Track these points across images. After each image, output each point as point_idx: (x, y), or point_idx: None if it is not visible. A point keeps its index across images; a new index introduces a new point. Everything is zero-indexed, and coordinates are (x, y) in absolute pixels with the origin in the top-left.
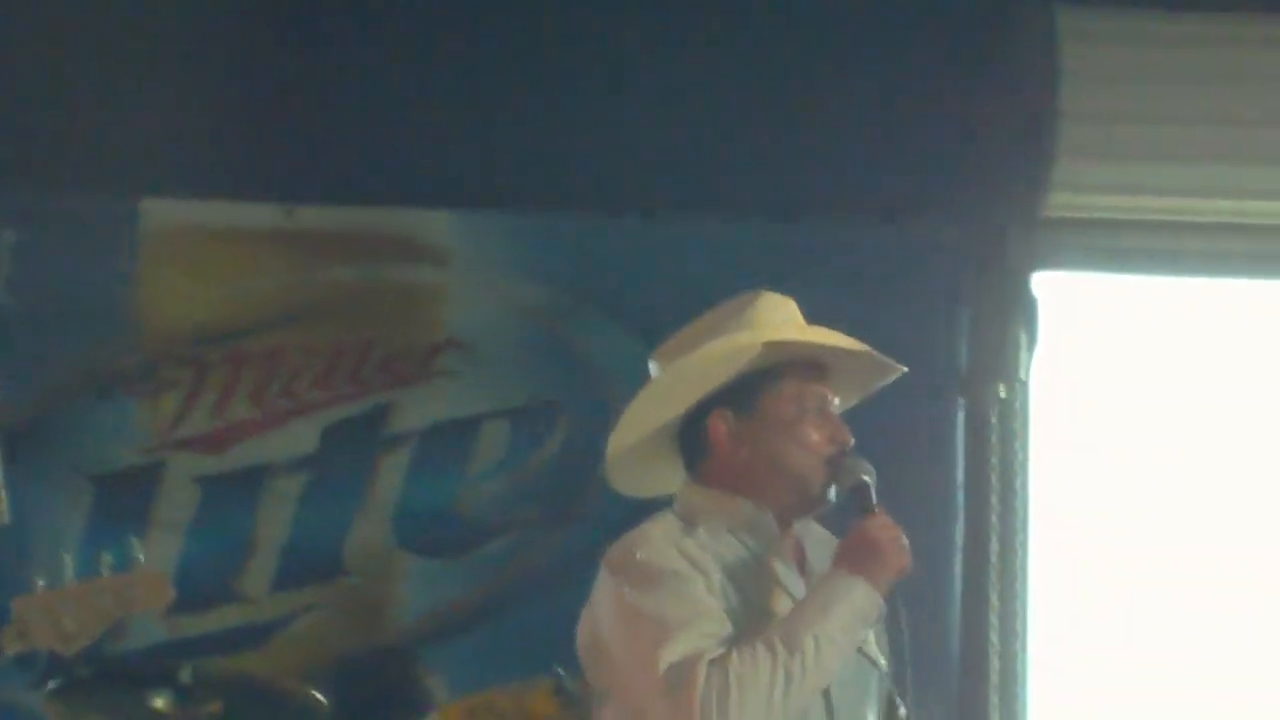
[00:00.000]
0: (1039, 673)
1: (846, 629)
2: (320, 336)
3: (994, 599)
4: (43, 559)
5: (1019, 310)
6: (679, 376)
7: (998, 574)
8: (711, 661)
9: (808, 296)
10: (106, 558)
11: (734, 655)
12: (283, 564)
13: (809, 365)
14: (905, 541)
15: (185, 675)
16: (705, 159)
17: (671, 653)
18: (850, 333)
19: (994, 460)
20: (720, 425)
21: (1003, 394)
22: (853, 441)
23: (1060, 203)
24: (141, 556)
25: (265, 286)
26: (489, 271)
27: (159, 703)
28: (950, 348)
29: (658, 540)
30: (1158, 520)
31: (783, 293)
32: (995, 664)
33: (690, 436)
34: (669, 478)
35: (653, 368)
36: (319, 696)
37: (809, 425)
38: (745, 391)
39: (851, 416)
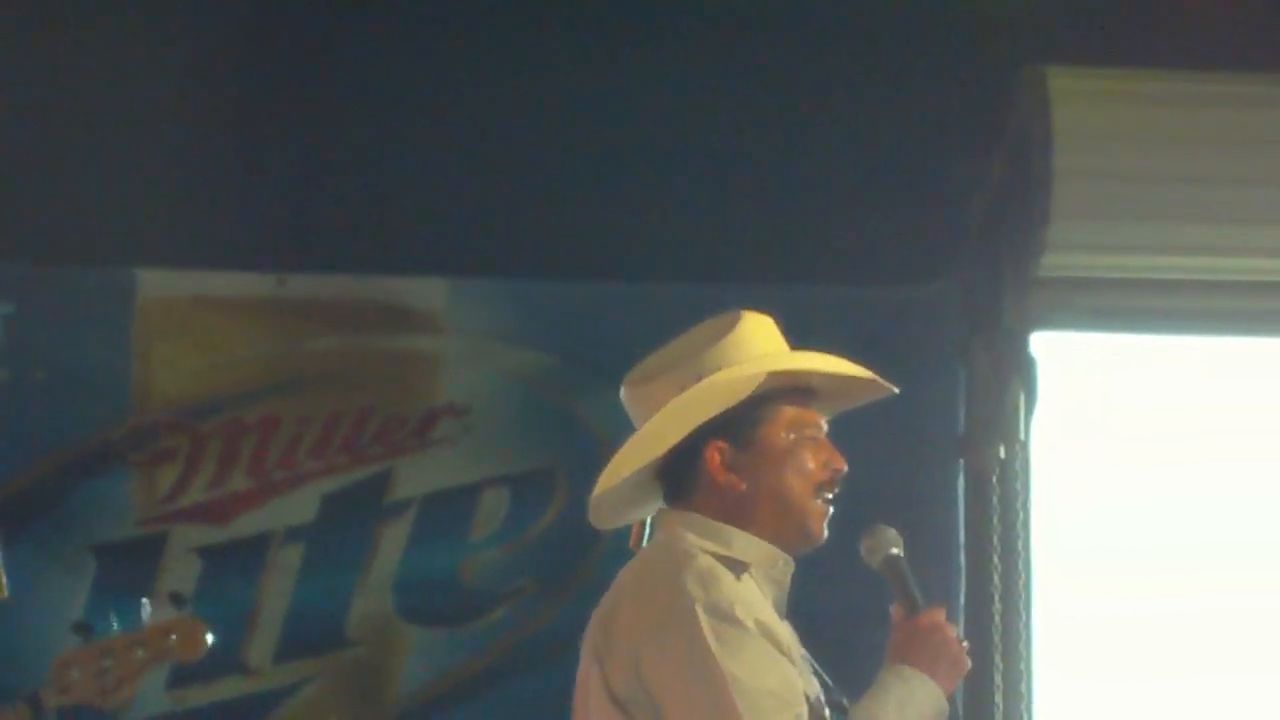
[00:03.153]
0: None
1: None
2: (316, 405)
3: (997, 660)
4: (45, 633)
5: (1017, 371)
6: (677, 409)
7: (1001, 635)
8: None
9: None
10: (146, 607)
11: None
12: (285, 634)
13: (800, 390)
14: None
15: None
16: (702, 225)
17: None
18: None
19: (995, 521)
20: (716, 457)
21: (1003, 454)
22: (846, 468)
23: (1056, 263)
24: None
25: (260, 355)
26: (485, 338)
27: None
28: (949, 409)
29: (732, 585)
30: (1161, 579)
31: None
32: None
33: (676, 470)
34: (645, 505)
35: (624, 394)
36: None
37: (805, 454)
38: (739, 421)
39: (853, 478)
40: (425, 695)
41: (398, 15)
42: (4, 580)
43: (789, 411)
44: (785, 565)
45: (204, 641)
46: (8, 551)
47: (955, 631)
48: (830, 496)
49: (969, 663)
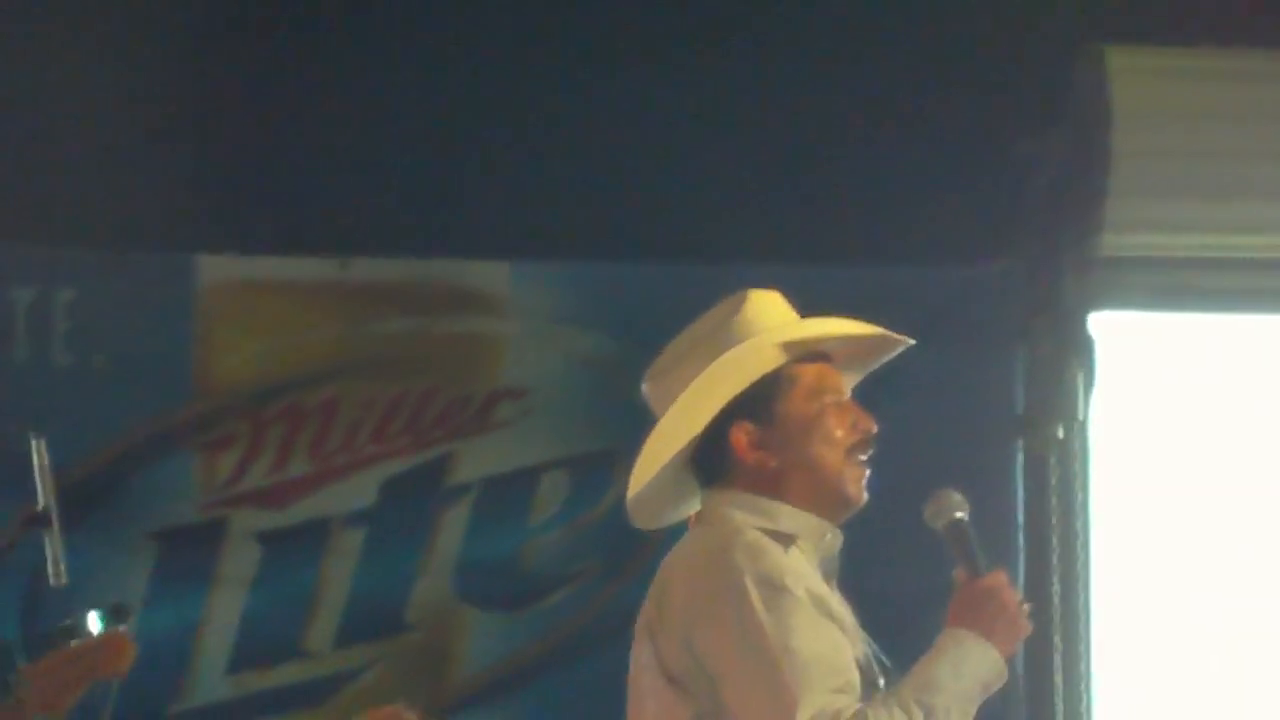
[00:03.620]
0: (1104, 715)
1: (973, 699)
2: (377, 389)
3: (1057, 640)
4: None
5: (1076, 351)
6: (694, 395)
7: (1060, 616)
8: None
9: None
10: (66, 623)
11: (871, 714)
12: (345, 619)
13: (815, 356)
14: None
15: None
16: (763, 205)
17: (811, 703)
18: (909, 376)
19: (1054, 501)
20: (742, 438)
21: (1061, 435)
22: (875, 428)
23: (1115, 242)
24: (95, 628)
25: (321, 340)
26: (546, 321)
27: None
28: (1008, 389)
29: (780, 558)
30: (1221, 560)
31: None
32: (1060, 706)
33: (706, 456)
34: (685, 500)
35: (646, 390)
36: None
37: (830, 419)
38: (759, 398)
39: (912, 460)
40: (487, 679)
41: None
42: (63, 566)
43: (807, 378)
44: (834, 537)
45: (129, 655)
46: (68, 537)
47: (1017, 593)
48: (864, 458)
49: (1029, 625)
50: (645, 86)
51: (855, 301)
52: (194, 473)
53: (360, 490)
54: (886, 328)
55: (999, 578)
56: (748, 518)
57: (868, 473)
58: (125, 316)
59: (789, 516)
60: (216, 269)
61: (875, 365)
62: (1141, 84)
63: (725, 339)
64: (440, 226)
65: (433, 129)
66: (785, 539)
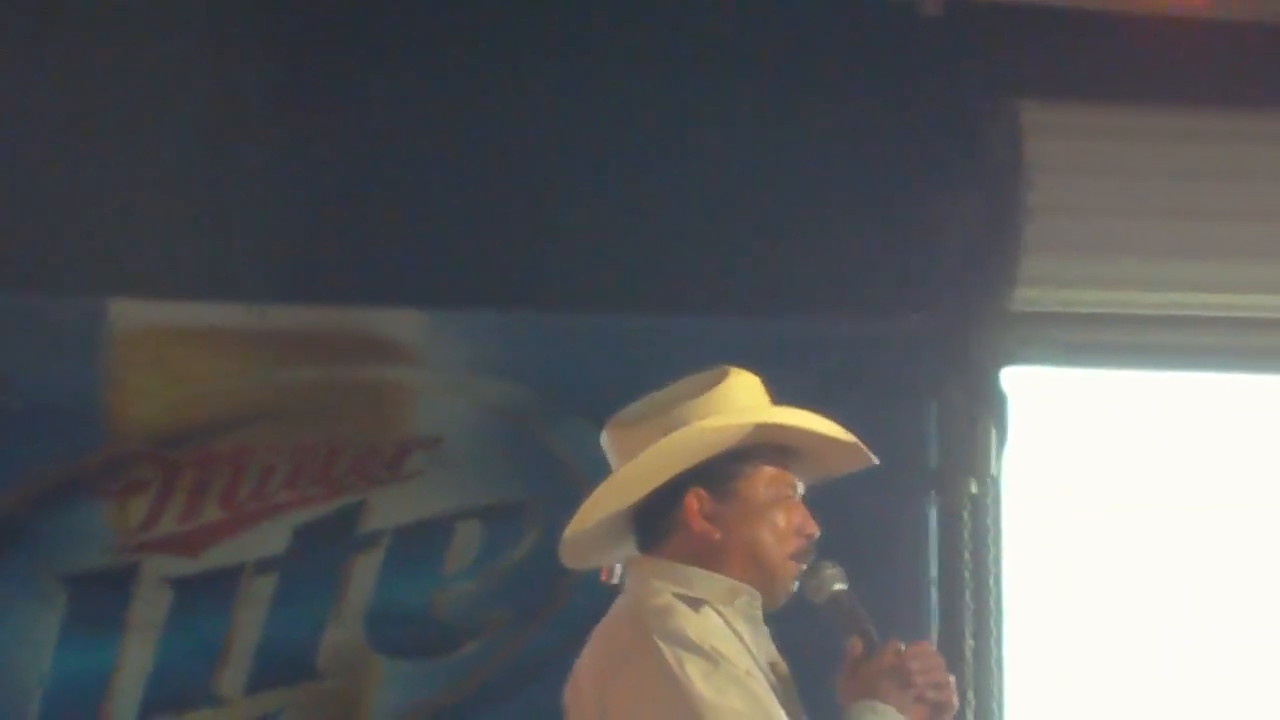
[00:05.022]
0: None
1: None
2: (290, 436)
3: (971, 696)
4: (17, 662)
5: (989, 405)
6: (665, 452)
7: (973, 671)
8: None
9: (778, 392)
10: None
11: None
12: (257, 666)
13: (780, 449)
14: (948, 681)
15: None
16: (677, 257)
17: None
18: None
19: (967, 556)
20: (694, 504)
21: (974, 489)
22: (819, 533)
23: (1028, 297)
24: None
25: (235, 386)
26: (459, 370)
27: None
28: (921, 444)
29: (692, 618)
30: (1133, 613)
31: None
32: None
33: (654, 513)
34: (617, 548)
35: (608, 437)
36: None
37: (780, 512)
38: (721, 472)
39: (825, 513)
40: None
41: (374, 47)
42: None
43: (768, 469)
44: (750, 599)
45: None
46: None
47: (940, 665)
48: (803, 566)
49: (954, 700)
50: (560, 137)
51: (768, 353)
52: (105, 518)
53: (272, 537)
54: (799, 379)
55: (898, 650)
56: (663, 584)
57: (802, 569)
58: (37, 360)
59: (702, 581)
60: (130, 314)
61: (826, 478)
62: (1055, 140)
63: (700, 409)
64: (356, 274)
65: (349, 175)
66: (695, 603)
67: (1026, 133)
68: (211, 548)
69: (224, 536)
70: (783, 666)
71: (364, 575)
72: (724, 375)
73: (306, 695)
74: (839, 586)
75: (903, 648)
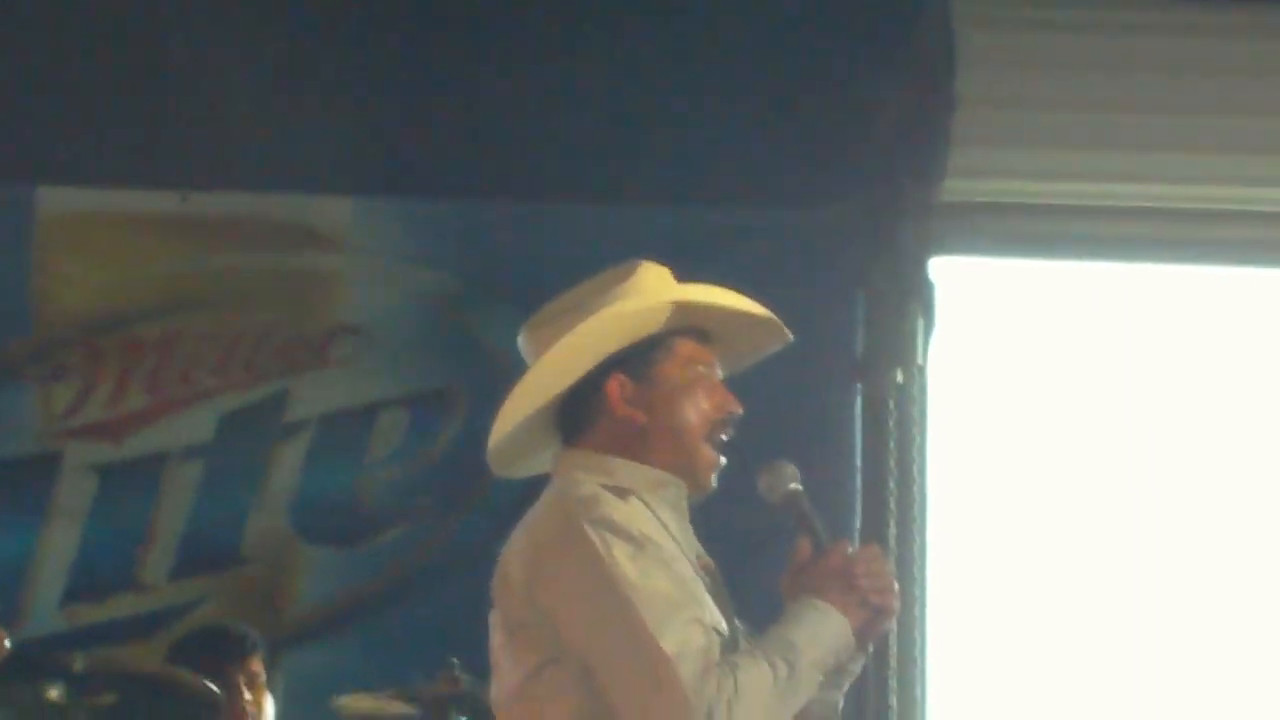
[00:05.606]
0: (937, 660)
1: (827, 668)
2: (216, 323)
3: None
4: None
5: (916, 295)
6: (582, 339)
7: (896, 559)
8: (720, 664)
9: (704, 281)
10: None
11: (742, 663)
12: (181, 552)
13: (696, 331)
14: (892, 586)
15: (79, 665)
16: (603, 146)
17: (673, 640)
18: None
19: (892, 446)
20: (616, 389)
21: (900, 379)
22: (740, 410)
23: (956, 188)
24: None
25: (161, 273)
26: (386, 258)
27: (52, 693)
28: (847, 333)
29: (618, 505)
30: (1055, 505)
31: (680, 279)
32: (893, 649)
33: (575, 404)
34: (543, 452)
35: (524, 339)
36: (213, 687)
37: (701, 391)
38: (639, 357)
39: (750, 402)
40: (321, 614)
41: None
42: None
43: (686, 347)
44: (676, 489)
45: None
46: None
47: (888, 568)
48: (723, 439)
49: (894, 605)
50: (490, 25)
51: (695, 242)
52: (30, 404)
53: (197, 424)
54: (725, 269)
55: (845, 549)
56: (588, 476)
57: (723, 461)
58: None
59: (626, 471)
60: (55, 200)
61: (744, 363)
62: (986, 30)
63: (615, 298)
64: (282, 161)
65: (278, 62)
66: (623, 492)
67: (958, 22)
68: (136, 434)
69: (149, 423)
70: (707, 559)
71: (288, 462)
72: (634, 268)
73: (230, 582)
74: (794, 486)
75: (850, 550)
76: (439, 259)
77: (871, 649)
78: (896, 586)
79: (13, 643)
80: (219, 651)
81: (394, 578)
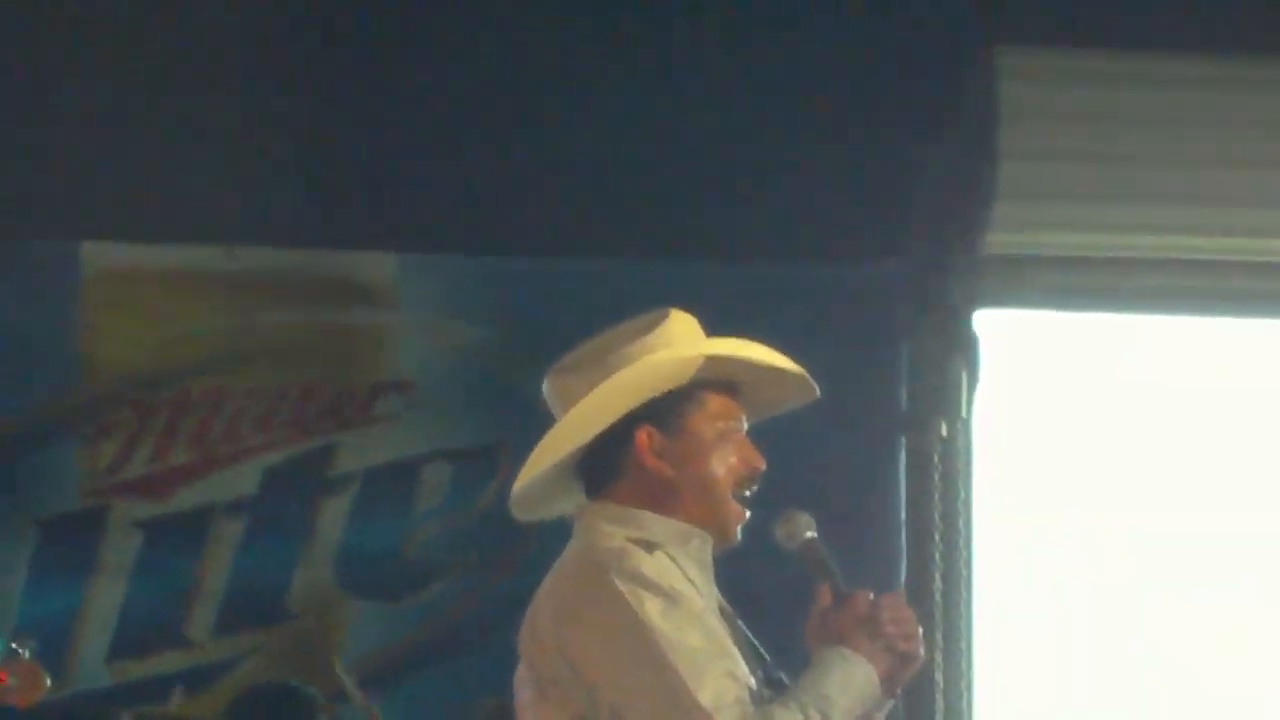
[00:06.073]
0: (984, 713)
1: (853, 714)
2: (262, 379)
3: (938, 638)
4: None
5: (960, 348)
6: (615, 389)
7: (942, 613)
8: (756, 714)
9: (751, 337)
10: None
11: (777, 714)
12: (226, 607)
13: (725, 384)
14: (917, 632)
15: None
16: (649, 202)
17: (710, 693)
18: None
19: (937, 499)
20: (645, 440)
21: (945, 432)
22: (764, 467)
23: (1001, 241)
24: (25, 651)
25: (207, 329)
26: (431, 313)
27: None
28: (892, 386)
29: (645, 558)
30: (1103, 557)
31: (726, 334)
32: (940, 704)
33: (601, 456)
34: (564, 500)
35: (550, 385)
36: None
37: (730, 446)
38: (669, 409)
39: (796, 455)
40: (367, 668)
41: None
42: None
43: (716, 402)
44: (702, 542)
45: (43, 686)
46: None
47: (911, 617)
48: (748, 495)
49: (920, 651)
50: (536, 82)
51: (740, 299)
52: (77, 460)
53: (242, 479)
54: (772, 324)
55: (869, 600)
56: (615, 528)
57: (747, 515)
58: (11, 304)
59: (654, 524)
60: (103, 256)
61: (774, 413)
62: (1030, 85)
63: (642, 351)
64: (328, 217)
65: (323, 118)
66: (649, 546)
67: (1002, 77)
68: (182, 490)
69: (194, 479)
70: (729, 610)
71: (334, 517)
72: (663, 317)
73: (276, 636)
74: (810, 534)
75: (873, 597)
76: (483, 314)
77: (902, 696)
78: (921, 632)
79: (60, 698)
80: (283, 710)
81: (439, 631)
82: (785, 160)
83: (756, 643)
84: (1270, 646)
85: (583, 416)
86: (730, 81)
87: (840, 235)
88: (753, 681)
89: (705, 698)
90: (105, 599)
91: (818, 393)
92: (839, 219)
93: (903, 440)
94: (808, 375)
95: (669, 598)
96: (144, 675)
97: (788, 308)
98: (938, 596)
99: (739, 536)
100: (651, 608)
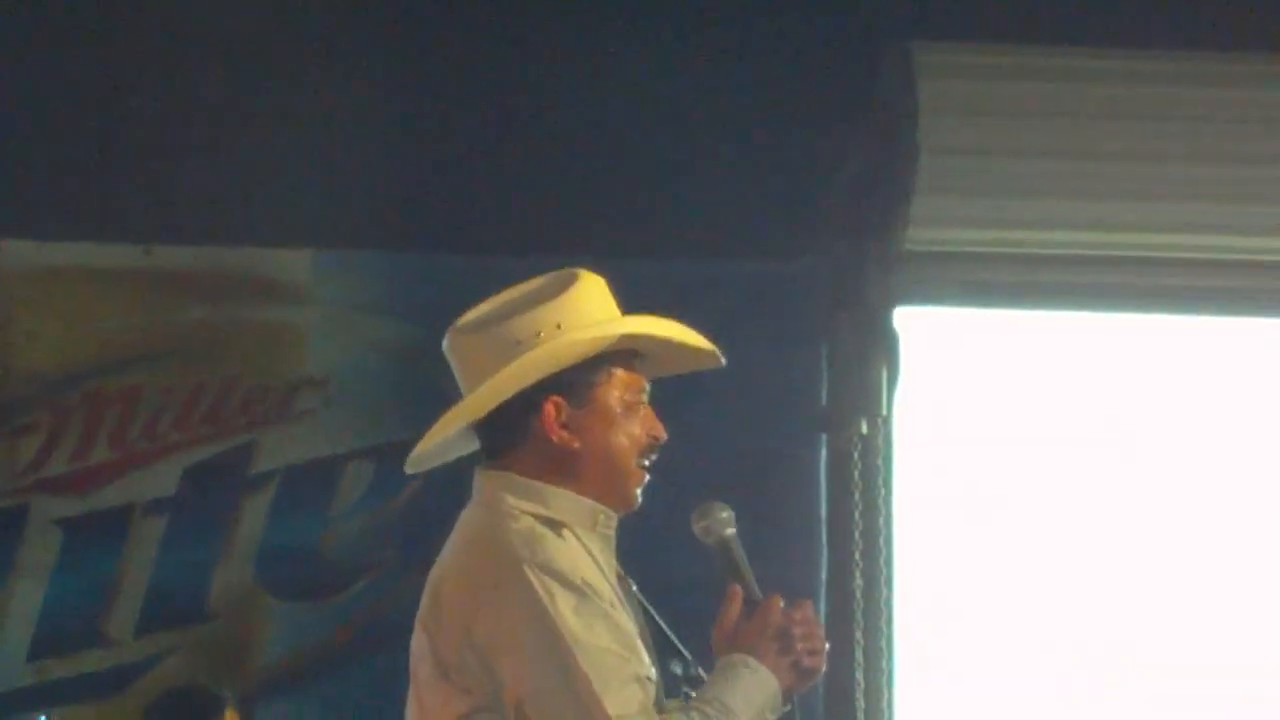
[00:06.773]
0: (904, 708)
1: None
2: (180, 376)
3: (859, 636)
4: None
5: (880, 346)
6: (527, 366)
7: (862, 611)
8: None
9: None
10: None
11: None
12: (146, 607)
13: (630, 354)
14: (823, 648)
15: None
16: (569, 198)
17: (616, 701)
18: (713, 371)
19: (857, 497)
20: (552, 411)
21: (865, 430)
22: (665, 437)
23: (919, 237)
24: None
25: (125, 326)
26: (349, 310)
27: None
28: (812, 385)
29: (561, 547)
30: (1021, 554)
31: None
32: (860, 702)
33: (503, 421)
34: (455, 450)
35: (453, 340)
36: None
37: (635, 418)
38: (579, 380)
39: (715, 453)
40: (287, 667)
41: None
42: None
43: (622, 374)
44: (606, 519)
45: None
46: None
47: (819, 630)
48: (648, 463)
49: (822, 666)
50: (451, 76)
51: (660, 295)
52: None
53: (162, 478)
54: (690, 321)
55: (781, 611)
56: (519, 503)
57: (647, 478)
58: None
59: (560, 502)
60: (19, 254)
61: (670, 373)
62: (947, 81)
63: (551, 315)
64: (243, 214)
65: (237, 115)
66: (556, 525)
67: (919, 73)
68: (101, 488)
69: (114, 477)
70: (627, 581)
71: (253, 515)
72: (572, 279)
73: (196, 636)
74: (729, 531)
75: (782, 604)
76: (401, 310)
77: (823, 696)
78: (827, 646)
79: None
80: (193, 712)
81: (360, 630)
82: (701, 157)
83: (674, 638)
84: (1198, 645)
85: (495, 390)
86: (646, 79)
87: (758, 233)
88: (653, 673)
89: (611, 705)
90: (25, 598)
91: (723, 362)
92: (756, 216)
93: (823, 438)
94: (717, 351)
95: (580, 593)
96: (65, 675)
97: (706, 305)
98: (858, 595)
99: (639, 499)
100: (564, 604)
